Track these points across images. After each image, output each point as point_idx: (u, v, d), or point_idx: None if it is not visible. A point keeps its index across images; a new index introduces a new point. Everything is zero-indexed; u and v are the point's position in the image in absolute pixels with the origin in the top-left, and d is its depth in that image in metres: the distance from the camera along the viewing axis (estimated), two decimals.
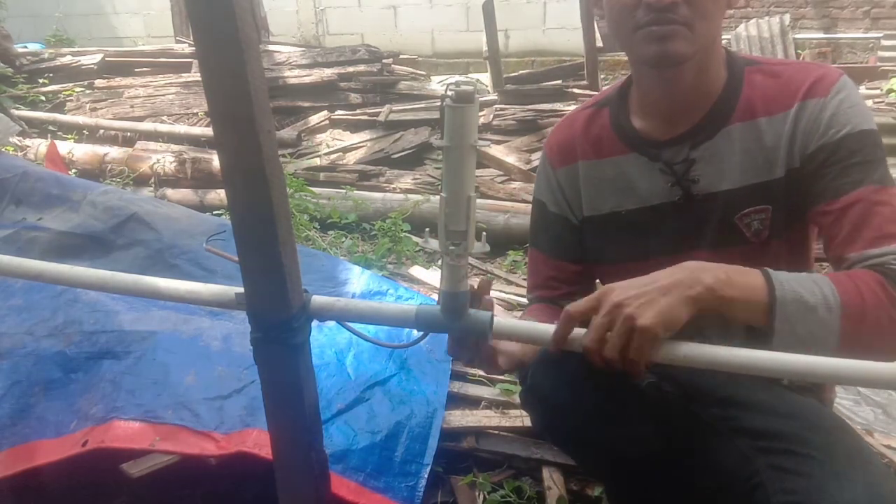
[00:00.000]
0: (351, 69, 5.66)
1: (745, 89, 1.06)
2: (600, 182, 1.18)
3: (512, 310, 2.55)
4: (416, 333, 0.95)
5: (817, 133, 0.99)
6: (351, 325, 0.98)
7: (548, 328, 0.88)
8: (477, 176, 3.28)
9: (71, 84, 5.77)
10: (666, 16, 0.96)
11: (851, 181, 0.97)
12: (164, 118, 5.29)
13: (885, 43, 6.26)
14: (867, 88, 5.01)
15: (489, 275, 3.03)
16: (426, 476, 1.52)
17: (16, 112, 5.21)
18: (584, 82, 5.40)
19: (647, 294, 0.85)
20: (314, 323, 0.95)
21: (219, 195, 3.83)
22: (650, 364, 0.85)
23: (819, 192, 1.00)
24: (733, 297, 0.86)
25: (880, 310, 0.88)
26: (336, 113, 5.37)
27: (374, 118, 5.19)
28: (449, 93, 0.74)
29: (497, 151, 4.42)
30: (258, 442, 1.37)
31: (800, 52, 6.39)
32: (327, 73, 5.55)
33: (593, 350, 0.85)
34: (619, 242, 1.19)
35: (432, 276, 2.86)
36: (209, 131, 4.57)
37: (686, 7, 0.96)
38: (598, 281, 1.29)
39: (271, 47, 6.19)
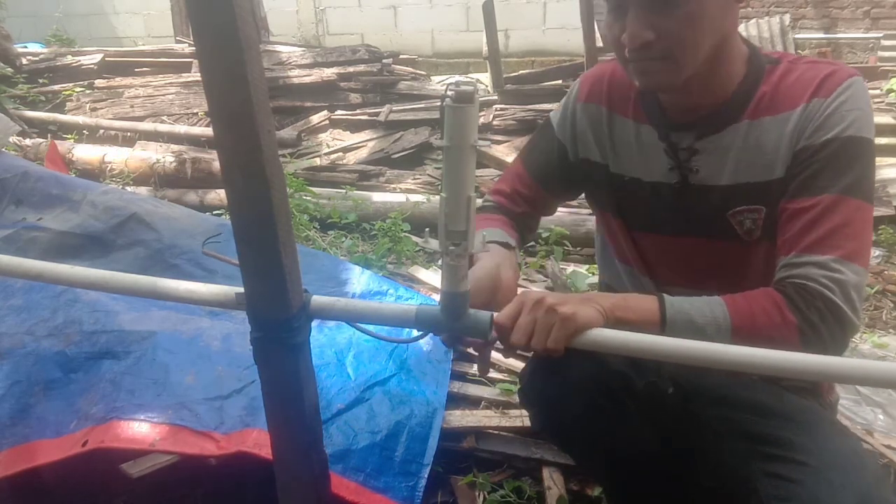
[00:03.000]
0: (351, 69, 5.66)
1: (761, 88, 1.05)
2: (613, 137, 1.19)
3: None
4: (416, 334, 0.96)
5: (809, 132, 0.99)
6: (363, 327, 0.98)
7: None
8: (477, 176, 3.29)
9: (71, 84, 5.77)
10: (644, 54, 0.99)
11: (818, 185, 0.98)
12: (164, 118, 5.29)
13: (885, 43, 6.25)
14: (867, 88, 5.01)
15: None
16: (426, 476, 1.52)
17: (16, 112, 5.20)
18: None
19: (565, 297, 0.93)
20: (314, 323, 0.95)
21: (219, 195, 3.83)
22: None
23: (789, 188, 1.01)
24: (629, 318, 0.95)
25: (771, 328, 0.93)
26: (336, 113, 5.37)
27: (374, 118, 5.18)
28: (449, 93, 0.75)
29: (497, 151, 4.42)
30: (258, 442, 1.37)
31: (800, 52, 6.38)
32: (327, 73, 5.55)
33: (520, 347, 0.92)
34: (615, 201, 1.22)
35: (432, 276, 2.86)
36: (209, 131, 4.57)
37: (663, 41, 0.97)
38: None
39: (271, 47, 6.19)
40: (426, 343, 1.89)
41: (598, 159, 1.21)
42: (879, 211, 3.32)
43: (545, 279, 2.81)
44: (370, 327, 1.11)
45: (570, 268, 2.91)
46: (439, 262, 3.08)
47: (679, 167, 1.11)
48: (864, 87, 1.01)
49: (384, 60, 5.89)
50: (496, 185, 1.34)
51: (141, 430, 1.42)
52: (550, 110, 5.24)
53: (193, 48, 4.28)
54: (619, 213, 1.22)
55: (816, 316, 0.92)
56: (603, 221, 1.30)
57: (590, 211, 2.41)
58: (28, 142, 4.46)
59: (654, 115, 1.14)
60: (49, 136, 4.97)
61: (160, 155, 4.15)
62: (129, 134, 5.04)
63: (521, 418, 1.76)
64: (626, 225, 1.22)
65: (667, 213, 1.14)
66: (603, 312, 0.92)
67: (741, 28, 6.41)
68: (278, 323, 0.88)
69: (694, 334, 0.91)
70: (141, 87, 5.58)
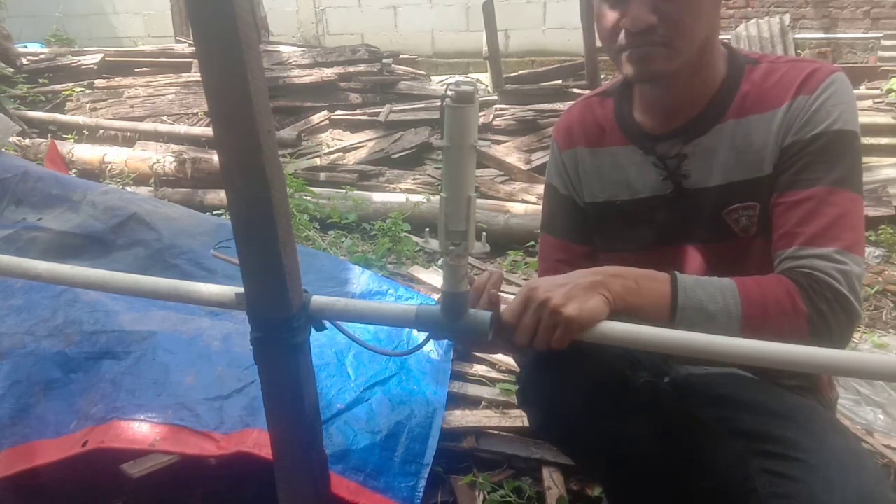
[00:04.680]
0: (351, 69, 5.66)
1: (742, 87, 1.06)
2: (598, 170, 1.20)
3: None
4: (415, 334, 0.96)
5: (796, 128, 1.01)
6: (349, 329, 0.98)
7: None
8: (477, 176, 3.28)
9: (71, 84, 5.77)
10: (643, 38, 0.99)
11: (809, 178, 0.99)
12: (164, 118, 5.29)
13: (885, 43, 6.25)
14: (867, 88, 5.00)
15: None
16: (426, 476, 1.52)
17: (16, 112, 5.20)
18: (584, 82, 5.40)
19: (570, 291, 0.90)
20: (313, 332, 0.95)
21: (219, 195, 3.83)
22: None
23: (779, 183, 1.02)
24: (640, 304, 0.93)
25: (782, 317, 0.93)
26: (336, 113, 5.37)
27: (374, 118, 5.18)
28: (449, 93, 0.75)
29: (497, 151, 4.42)
30: (258, 442, 1.37)
31: (800, 52, 6.38)
32: (327, 73, 5.55)
33: (524, 346, 0.91)
34: (614, 231, 1.21)
35: (432, 276, 2.86)
36: (209, 131, 4.57)
37: (664, 27, 0.98)
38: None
39: (271, 47, 6.18)
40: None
41: (594, 198, 1.22)
42: (879, 211, 3.31)
43: None
44: (369, 329, 1.11)
45: None
46: (439, 262, 3.08)
47: (671, 176, 1.11)
48: (846, 82, 1.03)
49: (384, 60, 5.89)
50: (539, 270, 1.32)
51: (141, 430, 1.42)
52: (550, 110, 5.22)
53: (193, 48, 4.28)
54: (623, 242, 1.21)
55: (825, 305, 0.93)
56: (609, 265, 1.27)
57: None
58: (28, 142, 4.46)
59: (634, 135, 1.15)
60: (49, 136, 4.97)
61: (160, 155, 4.15)
62: (129, 134, 5.04)
63: (521, 418, 1.76)
64: (629, 252, 1.20)
65: (666, 225, 1.14)
66: (611, 299, 0.91)
67: (741, 28, 6.42)
68: (278, 323, 0.88)
69: (704, 321, 0.92)
70: (141, 87, 5.58)
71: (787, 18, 6.42)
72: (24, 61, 5.96)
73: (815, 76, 1.02)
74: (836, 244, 0.95)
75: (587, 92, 1.31)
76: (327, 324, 0.96)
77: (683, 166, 1.10)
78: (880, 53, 6.18)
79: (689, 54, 1.01)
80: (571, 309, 0.88)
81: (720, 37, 1.09)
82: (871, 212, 3.24)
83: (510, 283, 2.93)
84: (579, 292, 0.90)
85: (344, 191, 3.79)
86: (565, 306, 0.88)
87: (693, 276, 0.97)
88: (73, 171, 4.16)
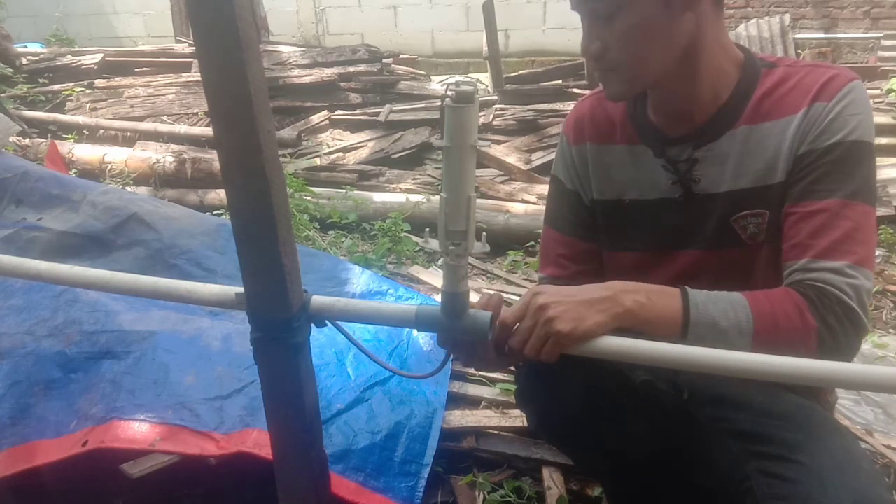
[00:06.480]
0: (351, 69, 5.67)
1: (757, 92, 1.05)
2: (607, 167, 1.19)
3: None
4: (416, 334, 0.96)
5: (812, 136, 0.99)
6: (354, 337, 0.98)
7: None
8: (477, 176, 3.28)
9: (71, 84, 5.77)
10: (597, 64, 1.04)
11: (824, 189, 0.98)
12: (164, 118, 5.29)
13: (885, 43, 6.24)
14: (867, 88, 5.00)
15: (489, 274, 3.03)
16: (426, 476, 1.52)
17: (16, 112, 5.20)
18: (584, 82, 5.41)
19: (571, 304, 0.89)
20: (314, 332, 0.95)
21: (219, 195, 3.83)
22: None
23: (793, 192, 1.01)
24: (650, 320, 0.92)
25: (792, 332, 0.92)
26: (336, 113, 5.37)
27: (374, 118, 5.19)
28: (449, 93, 0.75)
29: (497, 151, 4.42)
30: (258, 442, 1.37)
31: (800, 52, 6.38)
32: (327, 73, 5.55)
33: (517, 350, 0.91)
34: (620, 231, 1.20)
35: (432, 276, 2.86)
36: (209, 131, 4.57)
37: (609, 54, 1.00)
38: None
39: (271, 47, 6.19)
40: (426, 343, 1.89)
41: (602, 196, 1.20)
42: (879, 211, 3.31)
43: None
44: (370, 331, 1.10)
45: None
46: (439, 262, 3.09)
47: (681, 180, 1.10)
48: (864, 90, 1.02)
49: (384, 60, 5.90)
50: (540, 263, 1.31)
51: (141, 430, 1.42)
52: (550, 110, 5.22)
53: (193, 48, 4.28)
54: (628, 242, 1.19)
55: (834, 320, 0.92)
56: (612, 265, 1.25)
57: None
58: (28, 142, 4.46)
59: (647, 135, 1.14)
60: (49, 136, 4.97)
61: (160, 155, 4.15)
62: (129, 134, 5.04)
63: (521, 418, 1.76)
64: (633, 252, 1.20)
65: (673, 229, 1.13)
66: (619, 315, 0.89)
67: (741, 28, 6.41)
68: (278, 323, 0.88)
69: (716, 337, 0.91)
70: (141, 87, 5.58)
71: (787, 18, 6.41)
72: (24, 61, 5.97)
73: (833, 83, 1.00)
74: (849, 258, 0.94)
75: (588, 91, 1.30)
76: (329, 325, 0.96)
77: (694, 171, 1.09)
78: (880, 53, 6.18)
79: (648, 76, 1.01)
80: (564, 325, 0.87)
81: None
82: None
83: (510, 283, 2.93)
84: (581, 308, 0.89)
85: (344, 191, 3.79)
86: (559, 320, 0.87)
87: (703, 290, 0.96)
88: (73, 171, 4.16)
